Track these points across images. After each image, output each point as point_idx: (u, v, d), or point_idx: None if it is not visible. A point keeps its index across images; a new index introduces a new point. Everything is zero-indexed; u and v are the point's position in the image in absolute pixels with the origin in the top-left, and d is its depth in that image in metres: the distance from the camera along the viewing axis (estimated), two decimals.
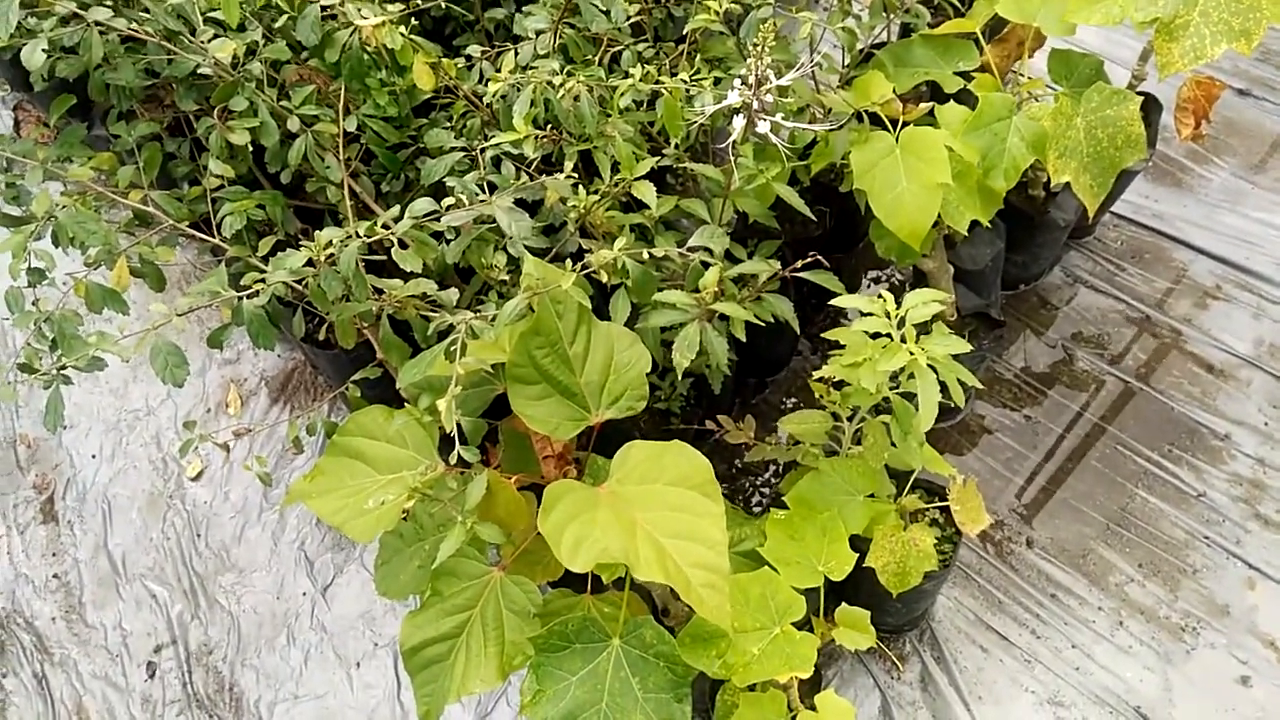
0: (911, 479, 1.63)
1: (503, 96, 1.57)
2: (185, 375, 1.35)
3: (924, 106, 1.72)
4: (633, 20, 1.73)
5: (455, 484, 1.32)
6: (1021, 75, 1.83)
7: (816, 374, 1.51)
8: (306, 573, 2.19)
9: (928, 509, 1.71)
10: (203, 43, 1.56)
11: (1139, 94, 1.86)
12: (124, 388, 2.48)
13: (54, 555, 2.29)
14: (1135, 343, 2.27)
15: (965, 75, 1.80)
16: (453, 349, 1.29)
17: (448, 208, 1.42)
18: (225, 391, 2.45)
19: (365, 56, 1.63)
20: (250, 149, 1.72)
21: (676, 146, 1.67)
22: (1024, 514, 2.09)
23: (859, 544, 1.56)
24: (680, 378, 1.50)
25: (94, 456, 2.40)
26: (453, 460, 1.24)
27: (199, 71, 1.60)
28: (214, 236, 1.67)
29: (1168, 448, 2.13)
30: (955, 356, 1.38)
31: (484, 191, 1.59)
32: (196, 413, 2.43)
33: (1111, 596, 1.97)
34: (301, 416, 2.32)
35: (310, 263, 1.40)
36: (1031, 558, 2.03)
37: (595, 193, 1.57)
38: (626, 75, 1.55)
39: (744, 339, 1.50)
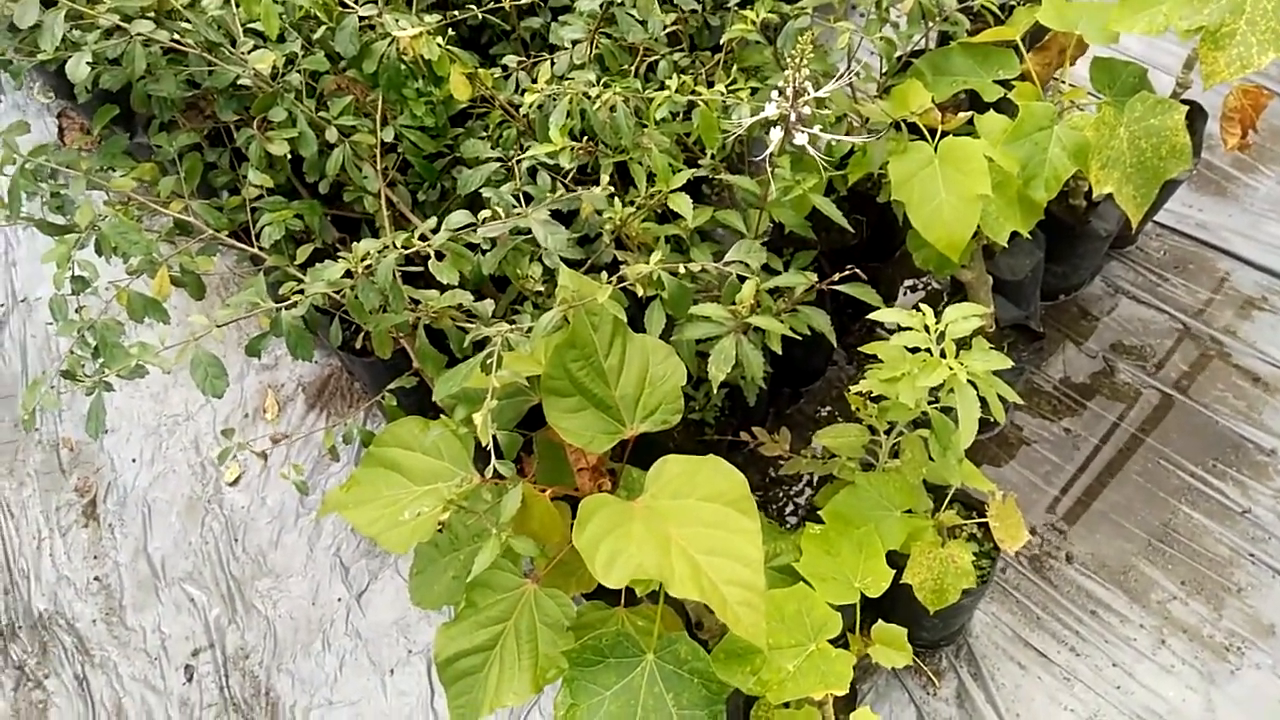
0: (950, 494, 1.61)
1: (539, 107, 1.57)
2: (225, 386, 1.36)
3: (963, 116, 1.70)
4: (669, 30, 1.72)
5: (490, 496, 1.32)
6: (1063, 83, 1.81)
7: (854, 388, 1.50)
8: (341, 579, 2.20)
9: (965, 524, 1.69)
10: (243, 54, 1.58)
11: (1184, 102, 1.83)
12: (164, 393, 2.51)
13: (95, 558, 2.32)
14: (1178, 354, 2.23)
15: (1005, 84, 1.77)
16: (489, 361, 1.29)
17: (484, 220, 1.42)
18: (263, 397, 2.48)
19: (403, 67, 1.64)
20: (289, 159, 1.73)
21: (712, 157, 1.66)
22: (1063, 528, 2.06)
23: (895, 559, 1.54)
24: (715, 390, 1.49)
25: (134, 460, 2.43)
26: (488, 473, 1.25)
27: (239, 82, 1.61)
28: (253, 245, 1.68)
29: (1211, 462, 2.09)
30: (995, 371, 1.36)
31: (520, 202, 1.59)
32: (234, 418, 2.45)
33: (1153, 614, 1.94)
34: (338, 424, 2.34)
35: (348, 274, 1.41)
36: (1071, 573, 2.00)
37: (630, 204, 1.57)
38: (662, 85, 1.55)
39: (780, 352, 1.49)
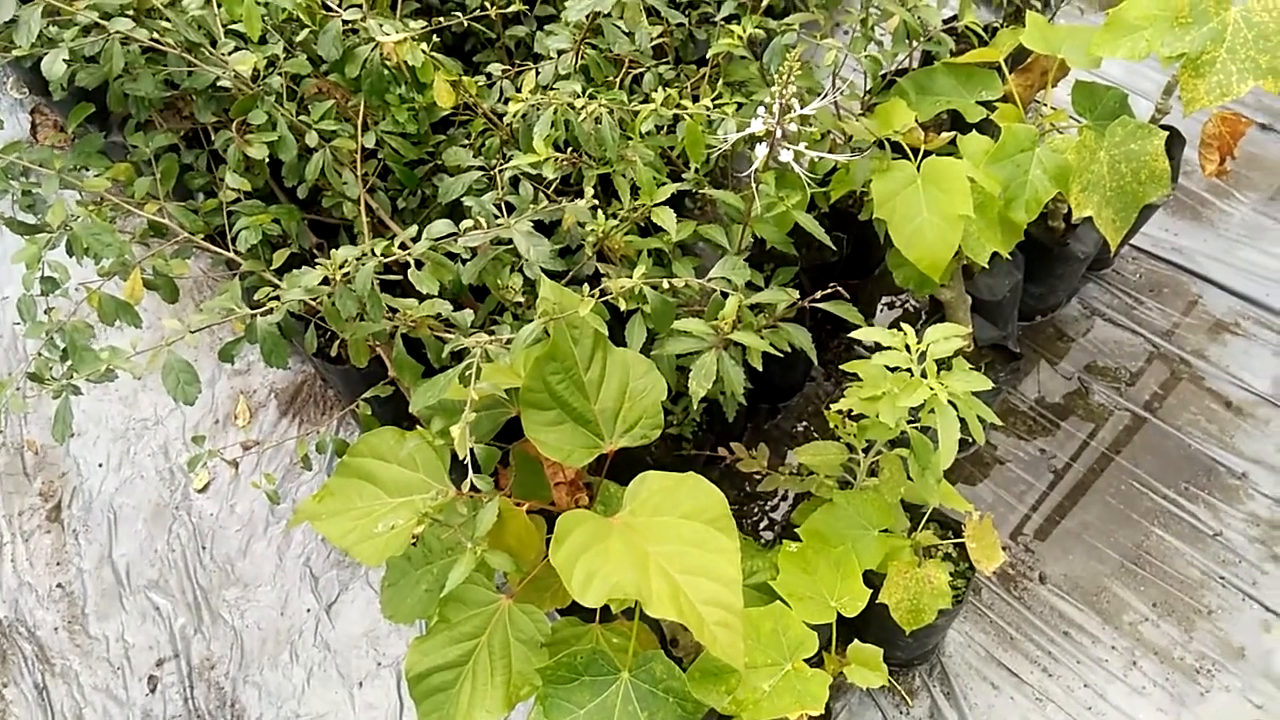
0: (927, 513, 1.61)
1: (523, 116, 1.56)
2: (197, 393, 1.34)
3: (946, 136, 1.71)
4: (654, 42, 1.72)
5: (466, 509, 1.30)
6: (1044, 105, 1.82)
7: (835, 406, 1.49)
8: (311, 589, 2.17)
9: (942, 544, 1.69)
10: (223, 55, 1.56)
11: (1162, 128, 1.84)
12: (133, 396, 2.47)
13: (58, 564, 2.27)
14: (1152, 377, 2.25)
15: (988, 105, 1.79)
16: (468, 373, 1.28)
17: (465, 229, 1.40)
18: (234, 403, 2.44)
19: (386, 72, 1.62)
20: (267, 162, 1.71)
21: (696, 171, 1.66)
22: (1036, 549, 2.06)
23: (872, 578, 1.54)
24: (695, 405, 1.48)
25: (101, 465, 2.39)
26: (464, 487, 1.23)
27: (219, 84, 1.59)
28: (228, 249, 1.66)
29: (1184, 485, 2.10)
30: (974, 392, 1.36)
31: (501, 212, 1.58)
32: (205, 424, 2.41)
33: (1125, 636, 1.94)
34: (311, 433, 2.31)
35: (325, 281, 1.39)
36: (1044, 594, 2.00)
37: (613, 216, 1.56)
38: (647, 98, 1.54)
39: (760, 368, 1.49)
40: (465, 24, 1.78)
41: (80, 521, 2.32)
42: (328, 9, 1.58)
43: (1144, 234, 2.41)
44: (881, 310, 2.43)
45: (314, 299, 1.40)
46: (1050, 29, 1.76)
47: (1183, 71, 1.58)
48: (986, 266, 1.72)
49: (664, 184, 1.54)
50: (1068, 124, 1.75)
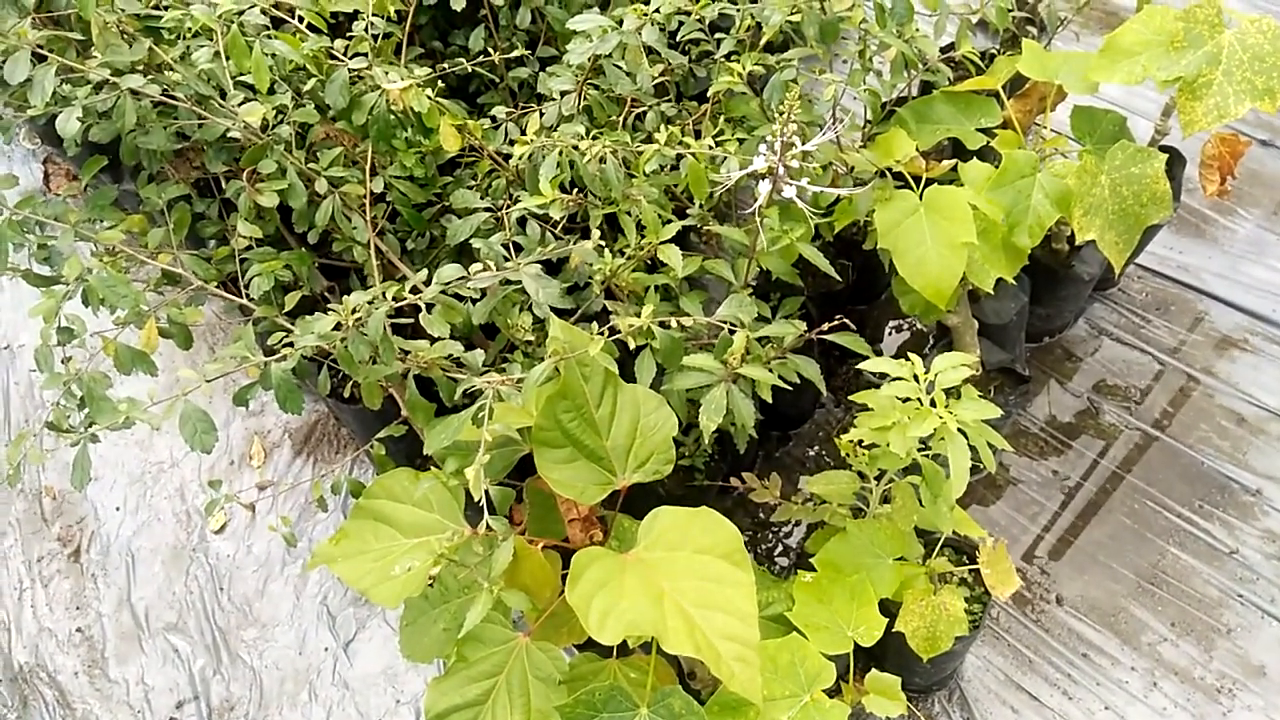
0: (940, 540, 1.62)
1: (529, 158, 1.58)
2: (214, 441, 1.35)
3: (947, 164, 1.73)
4: (656, 81, 1.74)
5: (482, 549, 1.31)
6: (1044, 130, 1.84)
7: (845, 436, 1.50)
8: (329, 627, 2.18)
9: (957, 570, 1.69)
10: (233, 106, 1.59)
11: (1163, 148, 1.85)
12: (148, 440, 2.49)
13: (78, 609, 2.29)
14: (1161, 395, 2.25)
15: (987, 131, 1.80)
16: (480, 414, 1.29)
17: (475, 272, 1.42)
18: (249, 444, 2.46)
19: (392, 118, 1.65)
20: (278, 209, 1.73)
21: (701, 207, 1.68)
22: (1052, 570, 2.06)
23: (888, 606, 1.54)
24: (707, 438, 1.50)
25: (118, 509, 2.41)
26: (480, 526, 1.24)
27: (229, 134, 1.62)
28: (241, 296, 1.68)
29: (1198, 503, 2.10)
30: (984, 419, 1.36)
31: (509, 252, 1.60)
32: (220, 465, 2.43)
33: (1144, 656, 1.94)
34: (325, 473, 2.33)
35: (338, 326, 1.41)
36: (1061, 615, 2.00)
37: (620, 253, 1.58)
38: (650, 137, 1.56)
39: (770, 400, 1.50)
40: (469, 68, 1.81)
41: (99, 565, 2.34)
42: (334, 58, 1.61)
43: (1149, 252, 2.42)
44: (890, 334, 2.44)
45: (327, 344, 1.42)
46: (1047, 55, 1.78)
47: (1180, 95, 1.59)
48: (992, 292, 1.74)
49: (669, 221, 1.56)
50: (1069, 149, 1.77)
